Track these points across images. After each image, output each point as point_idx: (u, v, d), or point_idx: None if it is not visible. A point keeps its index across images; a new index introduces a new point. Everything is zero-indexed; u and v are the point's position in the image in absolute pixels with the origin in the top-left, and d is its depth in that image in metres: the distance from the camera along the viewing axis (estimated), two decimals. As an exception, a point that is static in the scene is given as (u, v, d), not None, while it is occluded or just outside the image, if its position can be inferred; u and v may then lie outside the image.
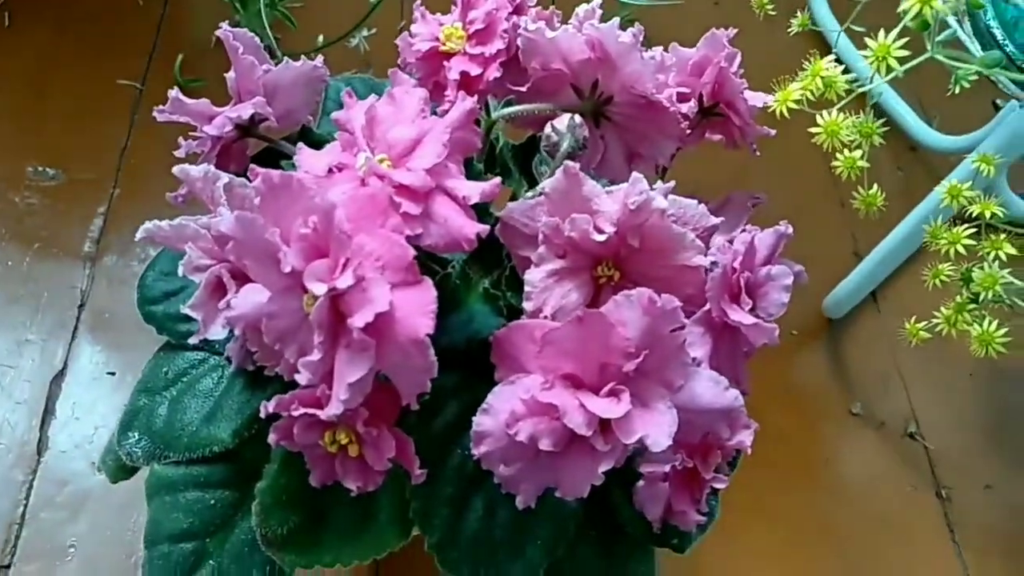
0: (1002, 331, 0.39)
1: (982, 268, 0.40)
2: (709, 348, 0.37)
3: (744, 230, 0.43)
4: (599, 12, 0.44)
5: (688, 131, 0.45)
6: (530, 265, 0.38)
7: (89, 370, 0.66)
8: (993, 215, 0.38)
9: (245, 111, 0.40)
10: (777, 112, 0.39)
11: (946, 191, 0.38)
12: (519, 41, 0.43)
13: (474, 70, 0.37)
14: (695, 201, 0.40)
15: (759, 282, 0.38)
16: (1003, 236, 0.40)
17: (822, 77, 0.37)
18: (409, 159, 0.34)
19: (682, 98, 0.44)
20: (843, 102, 0.38)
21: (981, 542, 0.75)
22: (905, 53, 0.35)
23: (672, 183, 0.37)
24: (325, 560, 0.39)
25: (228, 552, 0.40)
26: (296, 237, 0.29)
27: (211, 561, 0.39)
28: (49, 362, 0.66)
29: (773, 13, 0.44)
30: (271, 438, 0.33)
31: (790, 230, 0.39)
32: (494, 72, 0.38)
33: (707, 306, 0.36)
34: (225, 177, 0.36)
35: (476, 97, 0.36)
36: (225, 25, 0.42)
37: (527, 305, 0.37)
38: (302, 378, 0.29)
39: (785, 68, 0.40)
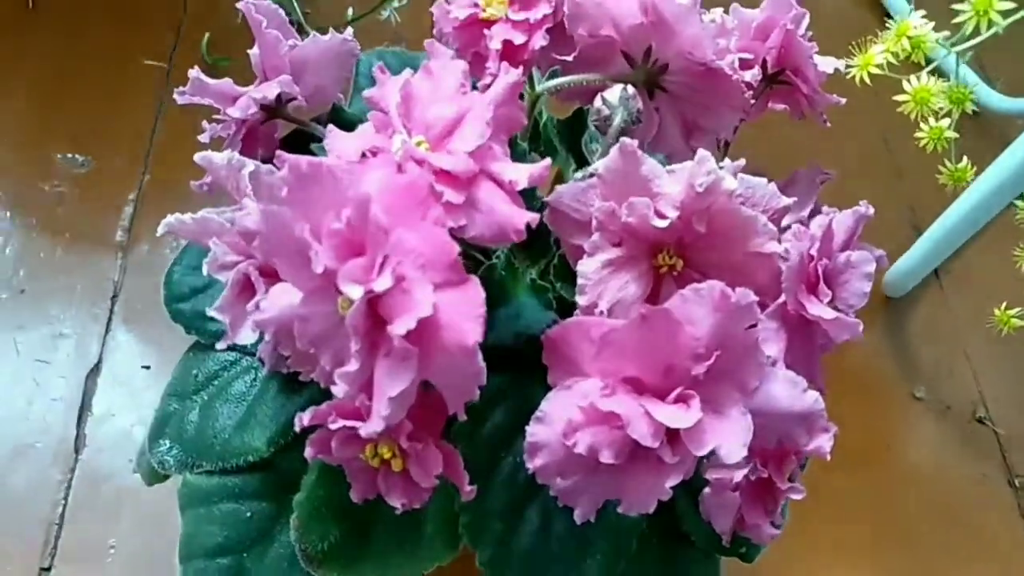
0: None
1: None
2: (784, 345, 0.33)
3: (819, 211, 0.40)
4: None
5: (752, 101, 0.41)
6: (582, 255, 0.35)
7: (124, 364, 0.64)
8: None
9: (271, 90, 0.37)
10: (857, 78, 0.35)
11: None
12: (565, 5, 0.39)
13: (518, 38, 0.33)
14: (764, 180, 0.36)
15: (839, 270, 0.34)
16: None
17: (909, 37, 0.33)
18: (449, 140, 0.30)
19: (745, 65, 0.40)
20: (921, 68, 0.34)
21: None
22: (1010, 5, 0.31)
23: (742, 160, 0.33)
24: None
25: (267, 567, 0.37)
26: (328, 233, 0.26)
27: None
28: (84, 356, 0.64)
29: None
30: (308, 452, 0.30)
31: (871, 211, 0.35)
32: (540, 40, 0.34)
33: (782, 298, 0.33)
34: (251, 165, 0.33)
35: (521, 69, 0.32)
36: (246, 1, 0.39)
37: (581, 299, 0.34)
38: (338, 390, 0.26)
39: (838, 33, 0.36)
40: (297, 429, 0.29)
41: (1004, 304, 0.38)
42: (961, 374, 0.78)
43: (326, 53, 0.40)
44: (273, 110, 0.40)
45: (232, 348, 0.40)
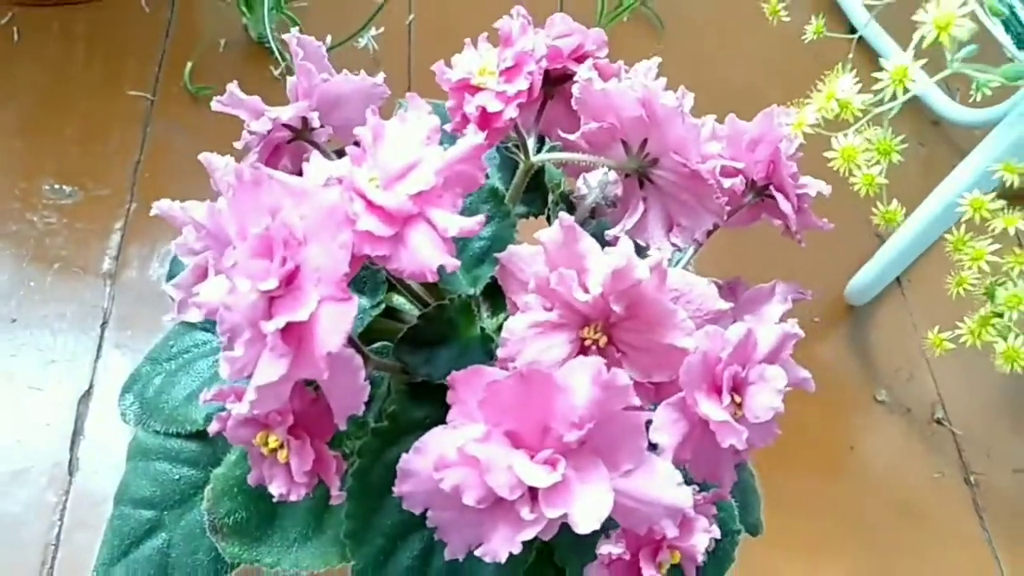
0: None
1: (1005, 286, 0.36)
2: (680, 437, 0.34)
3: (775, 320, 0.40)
4: (656, 70, 0.42)
5: (731, 208, 0.42)
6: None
7: (115, 388, 0.67)
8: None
9: (287, 113, 0.42)
10: (796, 132, 0.36)
11: (969, 203, 0.35)
12: (574, 89, 0.42)
13: (493, 106, 0.36)
14: (704, 280, 0.37)
15: (750, 380, 0.34)
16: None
17: (837, 100, 0.34)
18: (401, 183, 0.34)
19: (729, 172, 0.42)
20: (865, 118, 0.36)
21: (1011, 527, 0.74)
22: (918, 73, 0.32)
23: (665, 254, 0.35)
24: (266, 560, 0.39)
25: (181, 529, 0.41)
26: (249, 235, 0.30)
27: (163, 533, 0.41)
28: (76, 382, 0.68)
29: (787, 19, 0.42)
30: (211, 428, 0.34)
31: (800, 332, 0.36)
32: (512, 111, 0.37)
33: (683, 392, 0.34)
34: (240, 168, 0.37)
35: (488, 134, 0.35)
36: (293, 34, 0.44)
37: (500, 352, 0.36)
38: (223, 371, 0.29)
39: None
40: (201, 403, 0.33)
41: (937, 328, 0.39)
42: (921, 378, 0.81)
43: (356, 91, 0.45)
44: (298, 132, 0.44)
45: (207, 330, 0.44)
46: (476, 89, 0.38)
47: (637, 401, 0.32)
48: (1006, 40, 0.70)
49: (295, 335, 0.28)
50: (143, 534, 0.41)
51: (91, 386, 0.69)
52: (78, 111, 0.84)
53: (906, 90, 0.34)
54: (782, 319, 0.44)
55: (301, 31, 0.43)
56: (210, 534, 0.39)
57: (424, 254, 0.32)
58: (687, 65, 1.02)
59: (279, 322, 0.28)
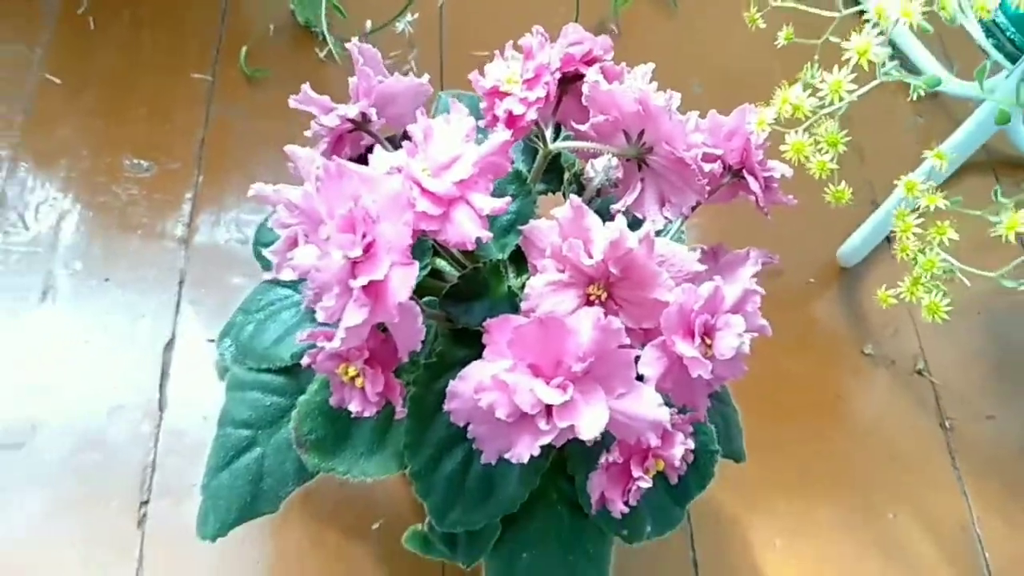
0: (946, 301, 0.46)
1: (924, 251, 0.46)
2: (662, 370, 0.44)
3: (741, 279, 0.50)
4: (651, 74, 0.51)
5: (711, 188, 0.51)
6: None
7: (193, 337, 0.79)
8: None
9: (351, 111, 0.51)
10: (758, 128, 0.45)
11: (904, 185, 0.44)
12: (584, 88, 0.51)
13: (517, 109, 0.46)
14: (685, 248, 0.47)
15: (718, 326, 0.44)
16: (947, 223, 0.45)
17: (792, 104, 0.43)
18: (446, 172, 0.43)
19: (710, 159, 0.51)
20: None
21: (980, 469, 0.83)
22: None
23: (655, 227, 0.44)
24: (339, 469, 0.50)
25: (272, 444, 0.51)
26: (337, 215, 0.40)
27: (258, 448, 0.51)
28: (160, 334, 0.79)
29: (763, 26, 0.50)
30: (304, 360, 0.44)
31: (759, 290, 0.45)
32: (533, 113, 0.46)
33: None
34: (320, 160, 0.47)
35: (514, 132, 0.45)
36: (354, 40, 0.53)
37: (523, 304, 0.46)
38: (320, 316, 0.40)
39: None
40: (297, 341, 0.43)
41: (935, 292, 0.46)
42: (905, 332, 0.91)
43: (407, 90, 0.54)
44: (359, 124, 0.54)
45: (290, 286, 0.54)
46: (504, 95, 0.47)
47: (628, 341, 0.41)
48: (987, 45, 0.77)
49: (373, 290, 0.38)
50: (242, 448, 0.51)
51: (173, 336, 0.79)
52: (148, 92, 0.93)
53: (841, 98, 0.43)
54: (754, 279, 0.53)
55: (343, 15, 0.52)
56: (296, 448, 0.49)
57: (466, 228, 0.42)
58: (698, 43, 1.10)
59: (363, 280, 0.38)
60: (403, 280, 0.38)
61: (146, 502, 0.71)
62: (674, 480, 0.47)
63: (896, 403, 0.87)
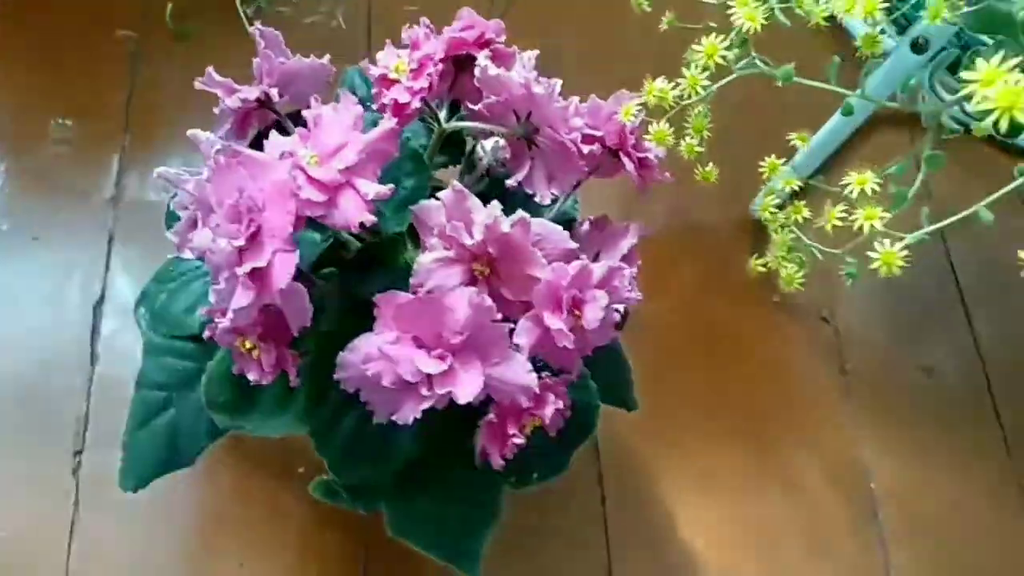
0: (800, 272, 0.52)
1: (779, 232, 0.51)
2: (535, 340, 0.48)
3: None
4: (535, 61, 0.55)
5: (593, 167, 0.55)
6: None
7: (122, 295, 0.82)
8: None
9: (252, 93, 0.54)
10: (624, 118, 0.50)
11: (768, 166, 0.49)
12: (476, 71, 0.54)
13: (403, 98, 0.49)
14: (559, 228, 0.51)
15: (587, 300, 0.48)
16: (803, 203, 0.50)
17: (656, 95, 0.47)
18: (333, 159, 0.46)
19: (590, 140, 0.54)
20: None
21: (874, 410, 0.90)
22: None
23: (526, 215, 0.48)
24: (247, 428, 0.54)
25: (186, 405, 0.55)
26: (225, 204, 0.43)
27: (173, 409, 0.55)
28: (91, 292, 0.81)
29: (649, 9, 0.54)
30: (204, 334, 0.48)
31: (623, 267, 0.50)
32: (417, 103, 0.49)
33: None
34: (217, 144, 0.50)
35: (399, 120, 0.48)
36: (256, 27, 0.56)
37: (412, 279, 0.49)
38: (212, 299, 0.43)
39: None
40: (197, 316, 0.47)
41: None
42: (814, 282, 0.95)
43: (308, 69, 0.57)
44: (262, 103, 0.56)
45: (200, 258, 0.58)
46: (392, 82, 0.50)
47: (499, 317, 0.46)
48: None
49: (258, 275, 0.42)
50: (158, 409, 0.55)
51: (102, 295, 0.82)
52: (75, 51, 0.93)
53: (698, 92, 0.46)
54: (634, 245, 0.58)
55: None
56: (207, 409, 0.53)
57: (350, 213, 0.46)
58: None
59: (246, 268, 0.41)
60: (285, 266, 0.42)
61: (80, 451, 0.75)
62: (553, 433, 0.52)
63: (801, 349, 0.93)
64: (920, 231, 0.43)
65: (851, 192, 0.46)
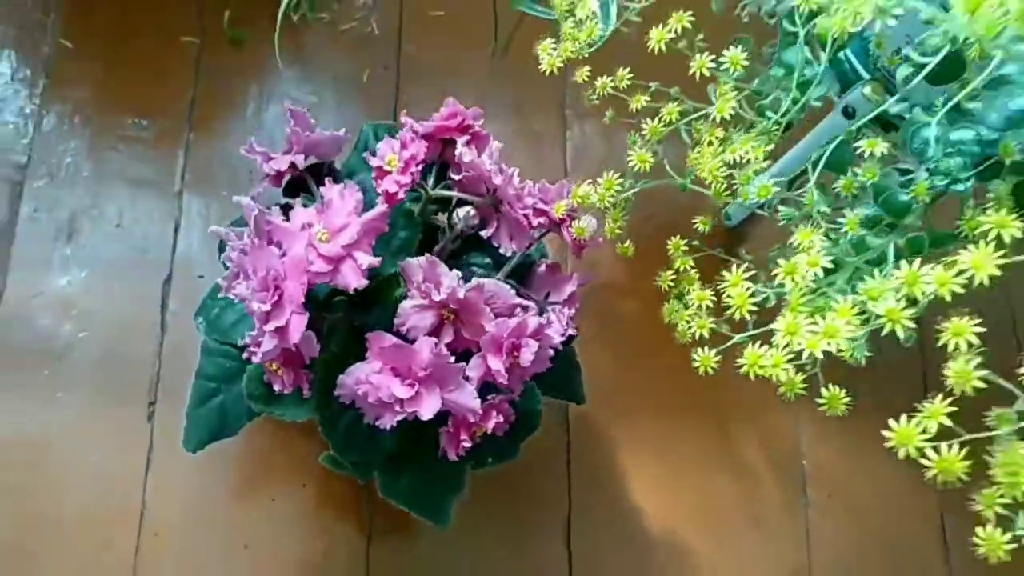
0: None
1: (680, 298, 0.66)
2: (481, 373, 0.65)
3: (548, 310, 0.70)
4: (498, 152, 0.69)
5: (542, 233, 0.71)
6: (408, 297, 0.67)
7: (186, 274, 1.00)
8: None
9: (283, 164, 0.70)
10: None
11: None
12: (456, 154, 0.70)
13: (391, 188, 0.65)
14: (508, 287, 0.67)
15: (522, 345, 0.65)
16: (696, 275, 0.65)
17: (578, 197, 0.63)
18: (339, 236, 0.63)
19: (539, 213, 0.70)
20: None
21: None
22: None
23: (481, 280, 0.64)
24: (276, 413, 0.72)
25: (232, 393, 0.74)
26: (259, 276, 0.60)
27: (222, 396, 0.74)
28: (160, 270, 0.99)
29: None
30: (244, 355, 0.66)
31: (553, 322, 0.66)
32: (403, 193, 0.65)
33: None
34: (256, 210, 0.67)
35: (389, 204, 0.64)
36: (287, 104, 0.71)
37: (396, 320, 0.66)
38: (248, 340, 0.61)
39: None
40: (240, 344, 0.65)
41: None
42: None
43: (327, 139, 0.73)
44: (293, 166, 0.73)
45: (242, 283, 0.75)
46: (386, 173, 0.66)
47: (453, 359, 0.63)
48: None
49: (279, 330, 0.59)
50: (210, 395, 0.74)
51: (170, 272, 1.01)
52: (147, 55, 1.09)
53: (609, 199, 0.61)
54: (573, 291, 0.73)
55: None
56: (246, 399, 0.72)
57: (349, 279, 0.62)
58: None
59: (271, 327, 0.59)
60: (298, 324, 0.59)
61: (152, 403, 0.95)
62: (500, 434, 0.70)
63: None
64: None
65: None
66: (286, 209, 0.70)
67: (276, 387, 0.66)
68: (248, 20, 1.13)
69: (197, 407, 0.75)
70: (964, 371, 0.39)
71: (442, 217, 0.71)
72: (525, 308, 0.67)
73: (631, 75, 0.64)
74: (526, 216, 0.68)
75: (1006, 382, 0.41)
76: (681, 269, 0.65)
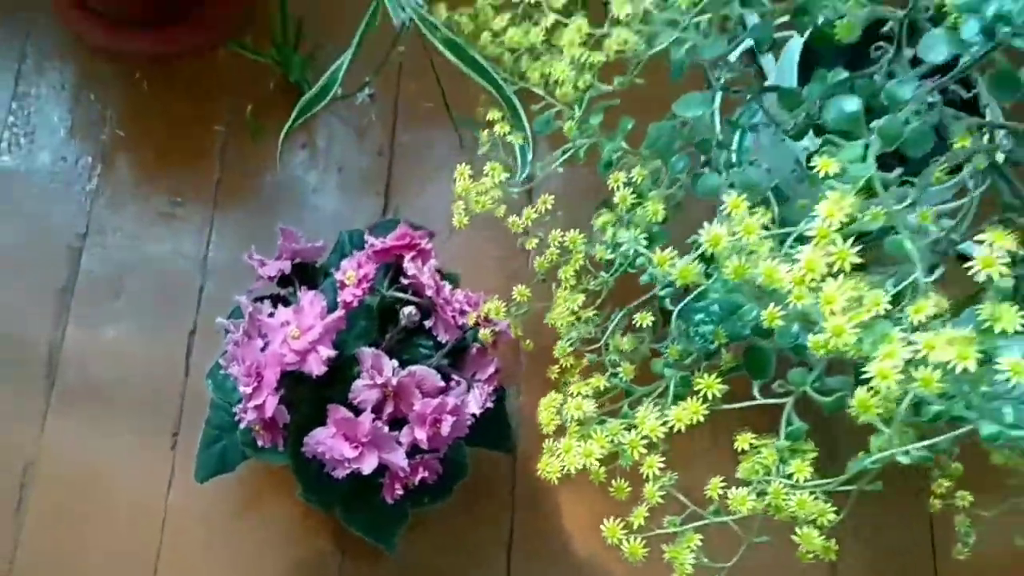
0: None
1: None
2: (409, 440, 0.86)
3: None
4: (435, 267, 0.91)
5: (467, 329, 0.92)
6: (362, 376, 0.89)
7: (207, 328, 1.20)
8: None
9: (272, 270, 0.92)
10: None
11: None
12: (405, 267, 0.91)
13: (348, 299, 0.86)
14: (434, 373, 0.88)
15: (442, 419, 0.86)
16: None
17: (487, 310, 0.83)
18: (308, 334, 0.85)
19: (463, 314, 0.91)
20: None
21: None
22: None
23: (418, 367, 0.85)
24: (262, 457, 0.94)
25: (232, 440, 0.96)
26: (245, 364, 0.82)
27: (223, 441, 0.97)
28: (184, 327, 1.22)
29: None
30: (236, 418, 0.88)
31: (470, 402, 0.87)
32: (356, 303, 0.87)
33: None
34: (250, 307, 0.89)
35: (347, 310, 0.86)
36: (280, 226, 0.93)
37: (350, 395, 0.88)
38: (237, 409, 0.83)
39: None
40: (235, 410, 0.87)
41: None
42: None
43: (310, 249, 0.95)
44: (281, 271, 0.95)
45: (242, 356, 0.98)
46: (345, 285, 0.87)
47: (387, 429, 0.84)
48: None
49: (258, 406, 0.82)
50: (216, 440, 0.97)
51: (195, 327, 1.24)
52: (184, 142, 1.33)
53: (511, 312, 0.82)
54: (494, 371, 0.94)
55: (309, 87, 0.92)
56: (241, 446, 0.94)
57: (313, 367, 0.84)
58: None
59: (252, 404, 0.81)
60: (272, 403, 0.81)
61: (176, 434, 1.18)
62: (431, 482, 0.91)
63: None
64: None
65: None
66: (276, 299, 0.93)
67: (259, 442, 0.88)
68: (266, 114, 1.35)
69: (204, 450, 0.98)
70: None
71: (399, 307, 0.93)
72: (457, 383, 0.89)
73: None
74: (453, 317, 0.89)
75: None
76: (565, 366, 0.85)
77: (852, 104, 0.56)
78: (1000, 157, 0.65)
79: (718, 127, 0.74)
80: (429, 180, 1.35)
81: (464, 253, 1.19)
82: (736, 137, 0.91)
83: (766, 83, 0.90)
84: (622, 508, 1.22)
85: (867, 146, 0.53)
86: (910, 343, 0.48)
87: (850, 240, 0.47)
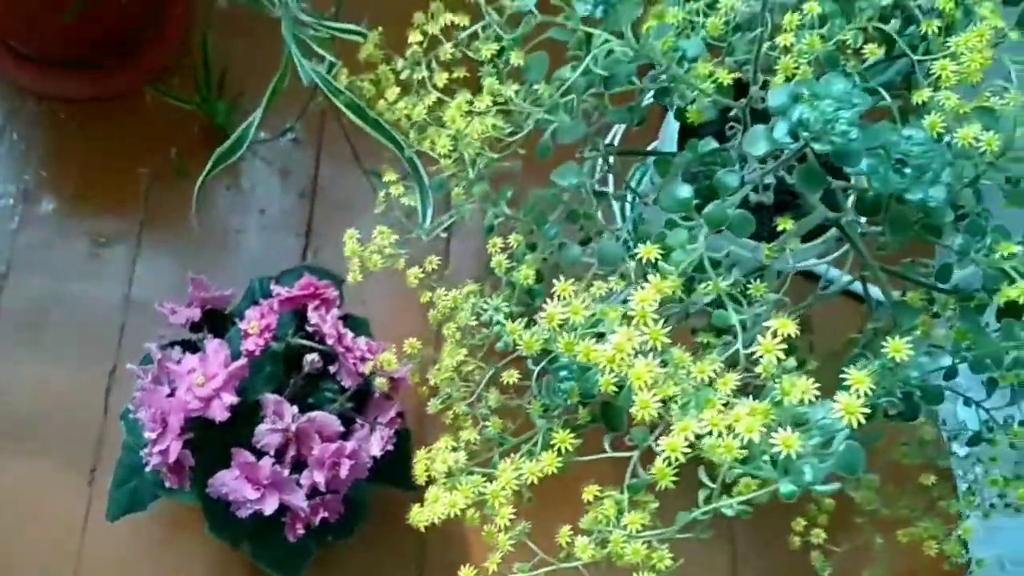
0: None
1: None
2: (309, 483, 0.91)
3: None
4: (338, 316, 0.96)
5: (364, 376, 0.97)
6: (266, 421, 0.94)
7: (126, 368, 1.26)
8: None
9: (182, 318, 0.97)
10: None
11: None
12: (309, 316, 0.97)
13: (251, 347, 0.91)
14: (333, 417, 0.93)
15: (341, 463, 0.91)
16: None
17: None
18: (212, 380, 0.89)
19: (364, 362, 0.96)
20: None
21: None
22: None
23: (315, 413, 0.90)
24: (172, 497, 0.99)
25: (143, 480, 1.00)
26: (151, 410, 0.87)
27: (134, 482, 1.01)
28: (106, 363, 1.26)
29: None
30: (144, 461, 0.92)
31: (372, 446, 0.92)
32: (259, 352, 0.92)
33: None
34: (159, 354, 0.93)
35: (249, 359, 0.91)
36: (191, 275, 0.98)
37: (254, 439, 0.93)
38: (143, 453, 0.87)
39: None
40: (142, 453, 0.91)
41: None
42: None
43: (219, 297, 0.99)
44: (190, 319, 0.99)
45: (153, 399, 1.02)
46: (249, 335, 0.92)
47: (286, 474, 0.89)
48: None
49: (162, 451, 0.86)
50: (127, 480, 1.00)
51: (115, 366, 1.26)
52: (110, 182, 1.36)
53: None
54: (395, 415, 1.00)
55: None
56: (152, 486, 0.98)
57: (216, 412, 0.89)
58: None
59: (157, 448, 0.85)
60: (176, 448, 0.86)
61: (94, 470, 1.22)
62: (333, 522, 0.96)
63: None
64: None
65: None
66: (186, 345, 0.98)
67: (167, 484, 0.92)
68: (191, 156, 1.39)
69: (116, 488, 1.01)
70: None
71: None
72: (361, 426, 0.94)
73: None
74: (355, 364, 0.95)
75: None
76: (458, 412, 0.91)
77: (684, 191, 0.63)
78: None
79: (593, 197, 0.80)
80: (350, 222, 1.41)
81: (385, 292, 1.23)
82: (628, 204, 0.98)
83: (648, 148, 0.98)
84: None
85: (694, 229, 0.61)
86: (723, 409, 0.54)
87: (661, 322, 0.54)
